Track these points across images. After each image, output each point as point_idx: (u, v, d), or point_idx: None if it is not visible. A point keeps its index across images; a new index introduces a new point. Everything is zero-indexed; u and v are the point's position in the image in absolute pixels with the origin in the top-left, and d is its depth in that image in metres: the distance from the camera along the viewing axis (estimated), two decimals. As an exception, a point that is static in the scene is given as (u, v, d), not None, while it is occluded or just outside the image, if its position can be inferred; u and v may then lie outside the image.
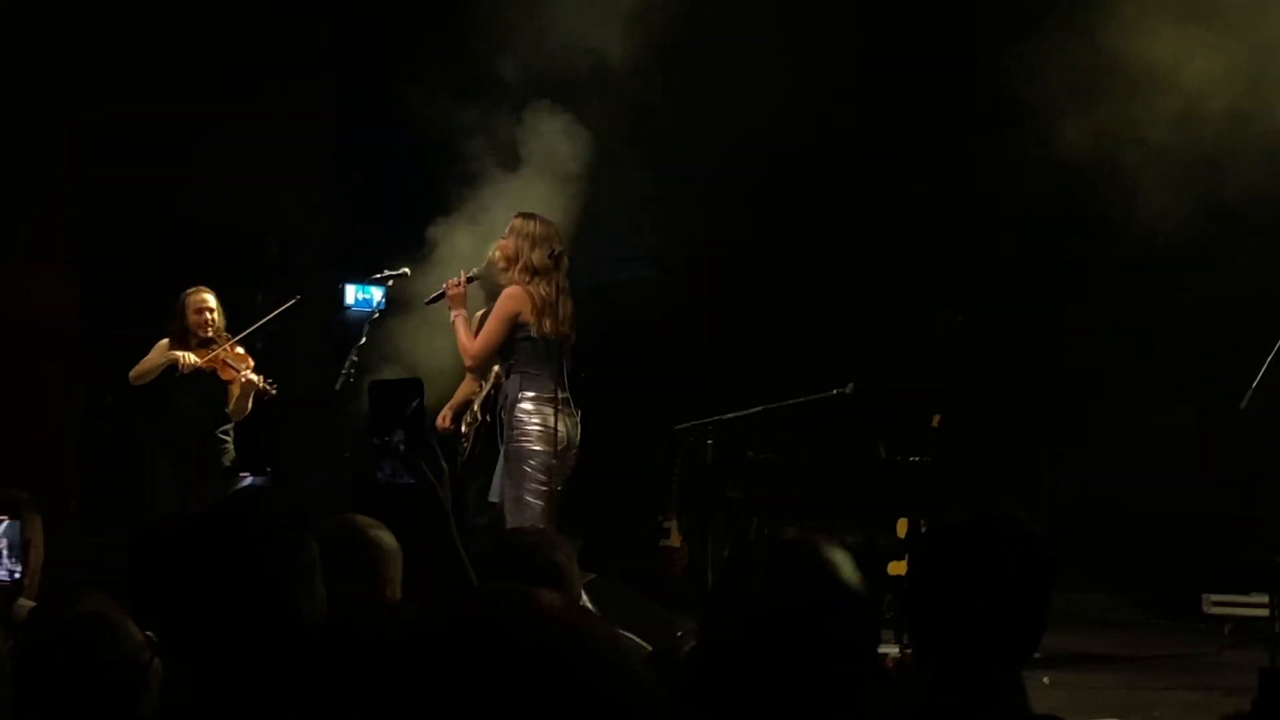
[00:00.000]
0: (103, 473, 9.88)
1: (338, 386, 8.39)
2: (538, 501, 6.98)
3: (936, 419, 8.84)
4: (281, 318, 9.03)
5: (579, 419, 7.25)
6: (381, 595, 3.68)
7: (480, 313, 7.50)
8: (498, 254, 7.25)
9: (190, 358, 8.49)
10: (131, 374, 8.60)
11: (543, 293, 7.10)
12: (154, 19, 10.03)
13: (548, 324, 7.11)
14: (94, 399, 9.90)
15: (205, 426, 8.67)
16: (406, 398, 3.24)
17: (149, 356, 8.57)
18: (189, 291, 8.69)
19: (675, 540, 10.12)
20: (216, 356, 8.55)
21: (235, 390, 8.65)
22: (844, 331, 9.77)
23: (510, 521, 6.84)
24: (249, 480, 9.22)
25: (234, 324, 8.76)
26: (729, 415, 8.91)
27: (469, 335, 7.23)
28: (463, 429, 8.60)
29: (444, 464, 3.84)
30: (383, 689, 1.18)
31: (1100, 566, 9.19)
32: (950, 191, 9.72)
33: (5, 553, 4.43)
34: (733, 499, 8.82)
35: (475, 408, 8.57)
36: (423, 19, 9.80)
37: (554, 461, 6.99)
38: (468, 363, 7.29)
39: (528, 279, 7.09)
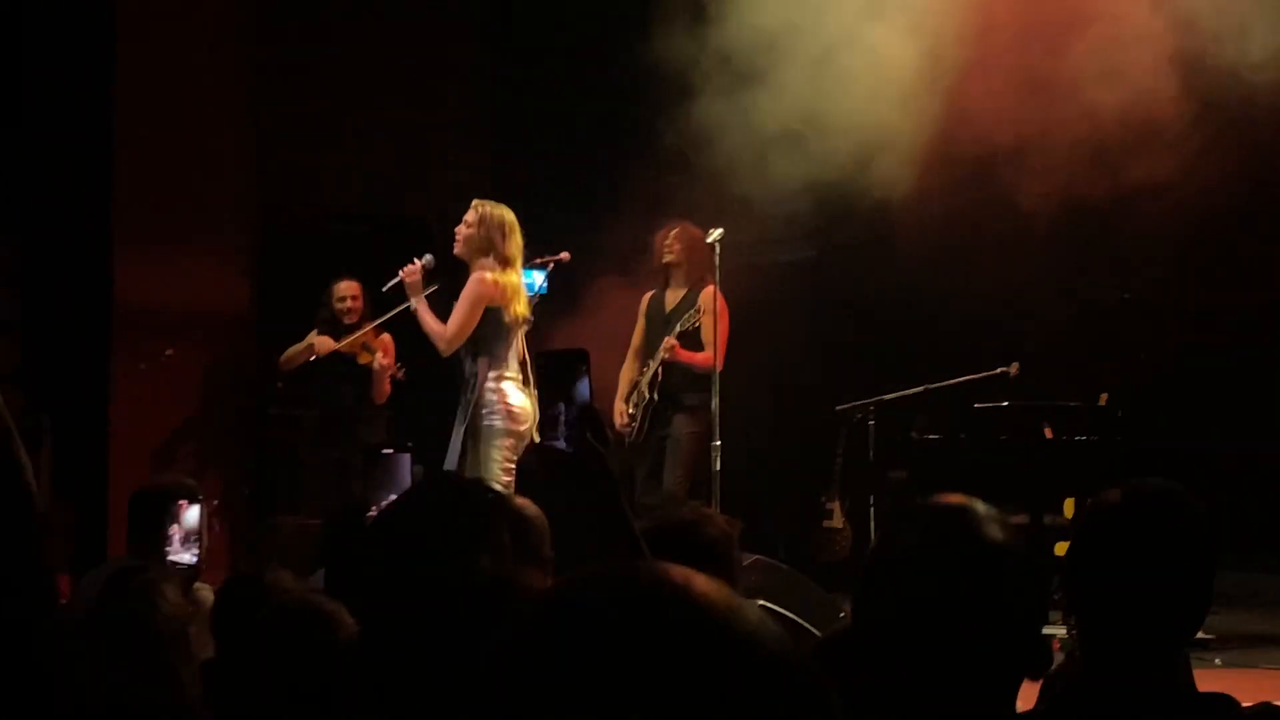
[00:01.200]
0: (272, 458, 10.08)
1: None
2: (506, 478, 7.14)
3: (1104, 397, 8.70)
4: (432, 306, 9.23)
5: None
6: (541, 574, 3.72)
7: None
8: (459, 239, 7.39)
9: (326, 344, 8.77)
10: (280, 359, 8.98)
11: (514, 281, 7.29)
12: (318, 5, 10.22)
13: (516, 309, 7.28)
14: (264, 386, 10.10)
15: (354, 409, 8.93)
16: (573, 369, 3.26)
17: (296, 345, 8.91)
18: (334, 282, 8.99)
19: (838, 521, 10.07)
20: (355, 341, 8.81)
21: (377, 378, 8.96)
22: (1008, 309, 9.64)
23: None
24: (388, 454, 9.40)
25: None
26: (891, 395, 8.85)
27: (436, 320, 7.36)
28: (630, 409, 8.65)
29: (609, 435, 3.87)
30: (525, 661, 1.17)
31: (1273, 544, 8.98)
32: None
33: (180, 538, 4.53)
34: (895, 479, 8.76)
35: (643, 387, 8.62)
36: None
37: (518, 439, 7.18)
38: (441, 347, 7.37)
39: (499, 268, 7.25)
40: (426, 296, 8.21)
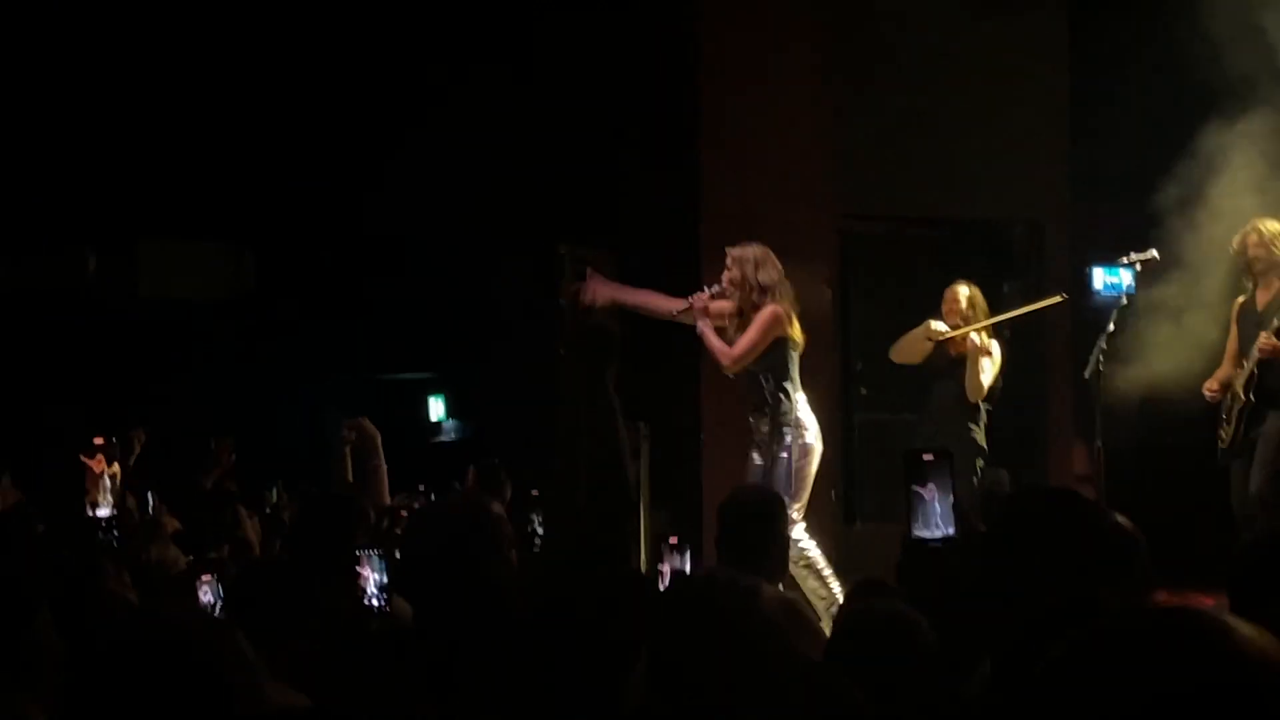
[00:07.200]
0: (855, 467, 10.17)
1: (1087, 375, 8.27)
2: (807, 494, 7.68)
3: None
4: (1034, 311, 9.09)
5: None
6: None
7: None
8: (726, 282, 7.91)
9: (941, 326, 8.72)
10: (892, 353, 9.00)
11: (786, 306, 7.83)
12: (893, 18, 10.24)
13: (797, 332, 7.83)
14: (847, 392, 10.23)
15: (955, 417, 8.81)
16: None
17: (908, 334, 8.89)
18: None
19: None
20: (958, 336, 8.72)
21: (969, 364, 8.74)
22: None
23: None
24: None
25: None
26: None
27: (722, 342, 7.91)
28: (1223, 414, 8.32)
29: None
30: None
31: None
32: None
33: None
34: None
35: (1238, 389, 8.25)
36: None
37: (818, 454, 7.78)
38: (725, 364, 7.92)
39: (763, 297, 7.80)
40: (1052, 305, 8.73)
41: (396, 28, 10.16)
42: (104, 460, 4.55)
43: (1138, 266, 8.34)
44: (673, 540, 5.24)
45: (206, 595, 4.43)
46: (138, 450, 6.61)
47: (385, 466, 6.61)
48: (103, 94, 10.34)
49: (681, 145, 9.88)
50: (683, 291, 8.22)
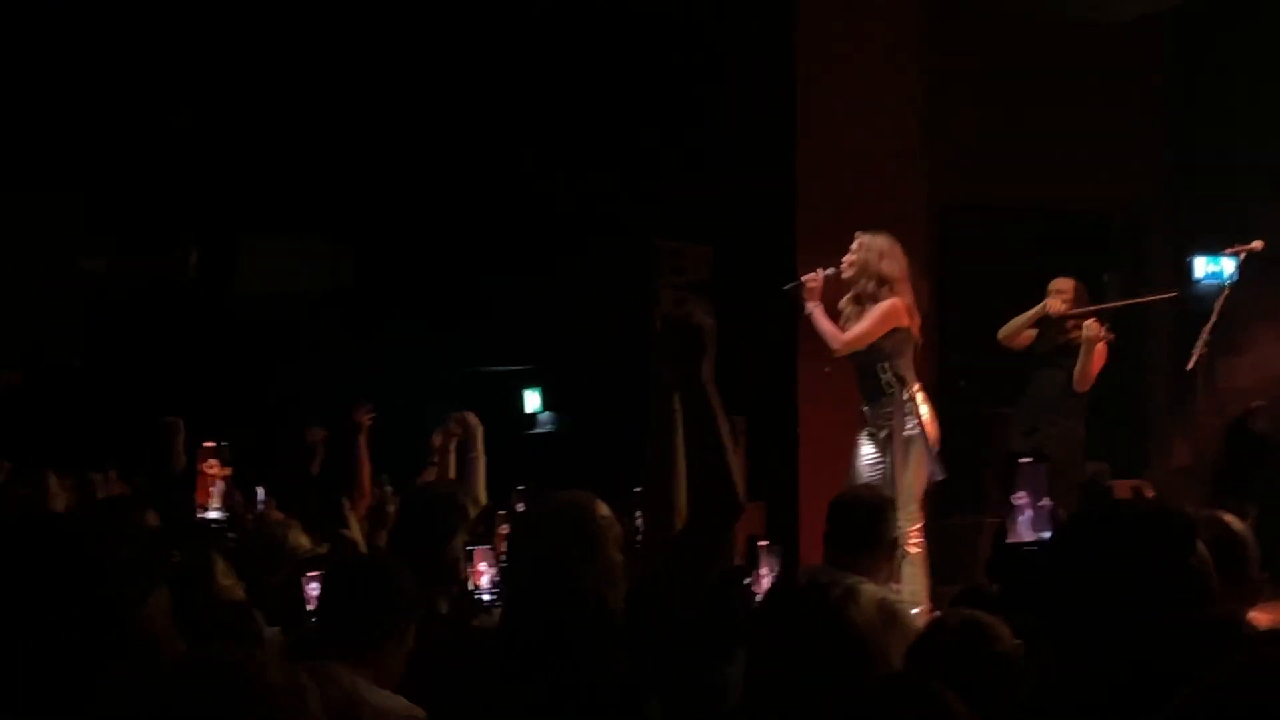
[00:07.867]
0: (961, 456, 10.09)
1: (1189, 366, 8.15)
2: (923, 485, 7.57)
3: None
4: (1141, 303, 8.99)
5: None
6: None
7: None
8: (846, 265, 7.81)
9: (1055, 304, 8.62)
10: (1000, 333, 8.87)
11: (908, 299, 7.76)
12: (990, 7, 10.15)
13: (915, 323, 7.78)
14: (944, 384, 10.15)
15: (1055, 407, 8.71)
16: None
17: (1020, 315, 8.81)
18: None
19: None
20: (1069, 323, 8.61)
21: (1083, 353, 8.63)
22: None
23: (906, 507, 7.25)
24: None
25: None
26: None
27: (833, 325, 7.82)
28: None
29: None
30: None
31: None
32: None
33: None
34: None
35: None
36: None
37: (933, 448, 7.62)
38: (836, 346, 7.81)
39: (880, 289, 7.70)
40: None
41: (487, 28, 10.21)
42: (217, 464, 4.59)
43: (1241, 256, 8.22)
44: (763, 543, 5.20)
45: (314, 591, 4.48)
46: (181, 437, 6.67)
47: (484, 459, 6.64)
48: (202, 92, 10.47)
49: (777, 137, 9.84)
50: (777, 283, 8.17)
